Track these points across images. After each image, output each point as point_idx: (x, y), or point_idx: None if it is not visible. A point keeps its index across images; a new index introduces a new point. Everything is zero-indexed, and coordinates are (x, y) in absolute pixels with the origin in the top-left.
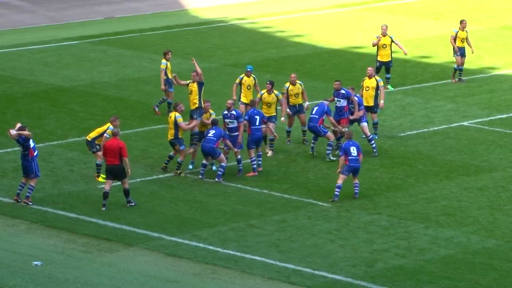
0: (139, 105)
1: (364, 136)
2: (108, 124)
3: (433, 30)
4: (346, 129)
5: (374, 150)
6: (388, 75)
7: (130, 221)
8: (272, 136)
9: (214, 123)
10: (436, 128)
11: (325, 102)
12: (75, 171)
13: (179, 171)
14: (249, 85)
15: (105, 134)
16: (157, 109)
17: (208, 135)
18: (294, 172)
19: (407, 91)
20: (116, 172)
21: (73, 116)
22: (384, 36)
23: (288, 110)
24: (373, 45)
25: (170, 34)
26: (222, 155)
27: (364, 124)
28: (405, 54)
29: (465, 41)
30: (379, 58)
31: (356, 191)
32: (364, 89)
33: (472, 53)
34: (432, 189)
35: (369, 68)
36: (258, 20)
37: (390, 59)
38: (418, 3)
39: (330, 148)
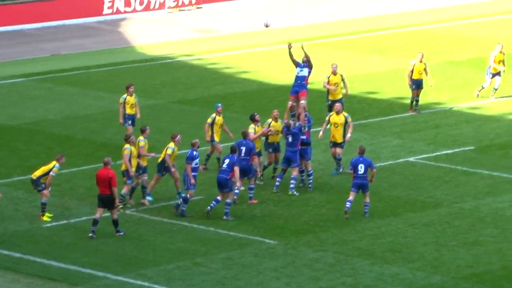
0: (85, 143)
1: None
2: (54, 162)
3: (379, 66)
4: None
5: (310, 186)
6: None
7: (75, 260)
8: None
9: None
10: (382, 164)
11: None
12: (20, 210)
13: (121, 205)
14: (221, 124)
15: (51, 173)
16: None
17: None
18: (240, 209)
19: (353, 126)
20: (106, 202)
21: (17, 155)
22: (335, 75)
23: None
24: (324, 86)
25: (116, 71)
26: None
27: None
28: (346, 96)
29: (423, 72)
30: (330, 97)
31: (366, 210)
32: (333, 125)
33: (431, 86)
34: (378, 225)
35: (337, 104)
36: (205, 56)
37: (341, 96)
38: (364, 39)
39: (294, 181)
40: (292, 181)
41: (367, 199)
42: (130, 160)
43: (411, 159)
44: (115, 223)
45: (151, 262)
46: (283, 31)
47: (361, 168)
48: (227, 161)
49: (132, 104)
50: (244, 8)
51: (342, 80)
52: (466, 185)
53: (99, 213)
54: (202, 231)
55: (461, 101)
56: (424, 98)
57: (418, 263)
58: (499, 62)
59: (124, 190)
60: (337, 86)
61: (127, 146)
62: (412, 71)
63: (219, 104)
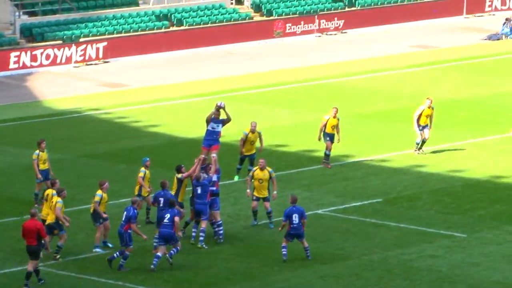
0: None
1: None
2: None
3: (287, 119)
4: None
5: (221, 237)
6: (251, 167)
7: None
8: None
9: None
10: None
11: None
12: None
13: (57, 256)
14: (149, 178)
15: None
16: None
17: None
18: (149, 262)
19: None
20: (33, 253)
21: None
22: (253, 133)
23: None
24: (240, 143)
25: (23, 126)
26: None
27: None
28: (260, 151)
29: (335, 128)
30: (245, 152)
31: (308, 254)
32: (257, 181)
33: (338, 141)
34: (288, 278)
35: (261, 161)
36: (112, 110)
37: (255, 151)
38: (273, 92)
39: (203, 234)
40: (201, 234)
41: (306, 244)
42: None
43: (320, 211)
44: (32, 274)
45: None
46: (191, 85)
47: (295, 218)
48: (168, 215)
49: (44, 160)
50: (151, 63)
51: (259, 137)
52: (374, 237)
53: (31, 266)
54: (110, 285)
55: (369, 154)
56: (332, 151)
57: None
58: (426, 117)
59: (61, 241)
60: (253, 143)
61: (59, 199)
62: (325, 125)
63: (147, 158)
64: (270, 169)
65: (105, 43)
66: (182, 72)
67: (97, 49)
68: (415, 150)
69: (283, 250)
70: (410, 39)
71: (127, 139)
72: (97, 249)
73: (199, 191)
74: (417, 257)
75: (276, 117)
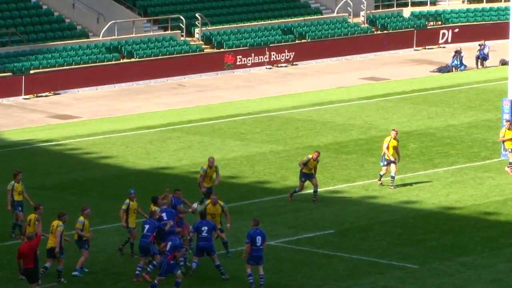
0: None
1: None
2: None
3: (239, 151)
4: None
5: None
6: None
7: None
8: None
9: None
10: (243, 248)
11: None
12: None
13: (61, 279)
14: (135, 209)
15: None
16: (13, 235)
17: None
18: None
19: None
20: (31, 275)
21: None
22: (211, 168)
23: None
24: (200, 180)
25: None
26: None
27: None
28: (216, 184)
29: (312, 170)
30: (205, 185)
31: (261, 282)
32: (210, 216)
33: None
34: None
35: (212, 197)
36: (63, 142)
37: (211, 185)
38: (223, 123)
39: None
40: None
41: (261, 271)
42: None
43: (272, 242)
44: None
45: None
46: (142, 117)
47: (258, 240)
48: (147, 226)
49: (19, 191)
50: (101, 94)
51: (216, 171)
52: (327, 268)
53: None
54: None
55: (321, 186)
56: (283, 182)
57: None
58: (393, 148)
59: (60, 265)
60: (211, 178)
61: (61, 223)
62: (305, 164)
63: (132, 191)
64: (222, 203)
65: (55, 75)
66: (133, 103)
67: (48, 81)
68: (379, 180)
69: (249, 278)
70: (360, 71)
71: (79, 170)
72: (77, 273)
73: (145, 229)
74: None
75: (227, 149)
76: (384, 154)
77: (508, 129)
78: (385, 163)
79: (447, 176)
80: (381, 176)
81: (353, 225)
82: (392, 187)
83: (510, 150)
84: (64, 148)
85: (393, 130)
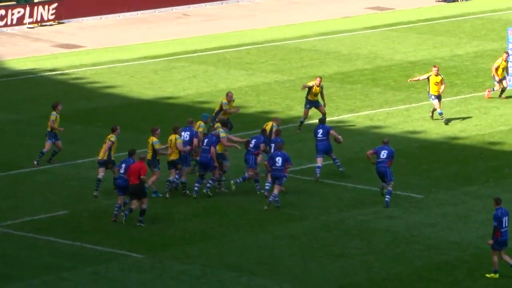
0: None
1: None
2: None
3: (244, 80)
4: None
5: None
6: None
7: None
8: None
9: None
10: (246, 177)
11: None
12: None
13: (187, 191)
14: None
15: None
16: (36, 163)
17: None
18: (106, 223)
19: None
20: (136, 191)
21: None
22: (229, 102)
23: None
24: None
25: None
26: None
27: None
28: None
29: (318, 95)
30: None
31: (275, 200)
32: None
33: (324, 106)
34: (244, 238)
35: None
36: (68, 71)
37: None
38: (228, 53)
39: (212, 182)
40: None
41: (276, 191)
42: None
43: None
44: (142, 212)
45: (15, 277)
46: (147, 46)
47: (278, 160)
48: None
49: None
50: (106, 23)
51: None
52: (331, 198)
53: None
54: (67, 245)
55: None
56: (288, 112)
57: (285, 275)
58: (435, 84)
59: (183, 177)
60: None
61: (178, 136)
62: (309, 88)
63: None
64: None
65: (57, 4)
66: (137, 33)
67: (51, 9)
68: (442, 119)
69: (270, 198)
70: (365, 0)
71: (83, 100)
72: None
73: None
74: (374, 218)
75: (232, 79)
76: (429, 89)
77: (505, 60)
78: (433, 97)
79: (452, 106)
80: (440, 114)
81: (357, 155)
82: (443, 120)
83: (499, 79)
84: (68, 78)
85: (434, 66)
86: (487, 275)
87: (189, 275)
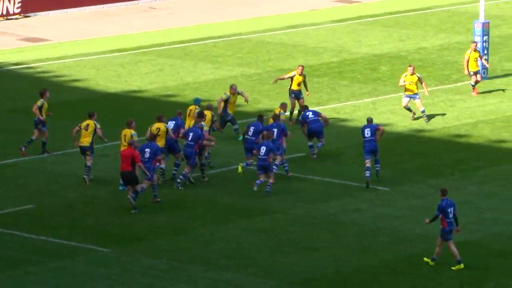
0: None
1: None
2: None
3: (210, 74)
4: None
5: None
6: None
7: None
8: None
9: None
10: (215, 171)
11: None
12: None
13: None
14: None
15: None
16: (23, 149)
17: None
18: (72, 217)
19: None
20: (127, 178)
21: None
22: (233, 95)
23: None
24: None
25: None
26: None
27: None
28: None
29: (301, 84)
30: (229, 111)
31: (267, 189)
32: None
33: (308, 95)
34: (212, 232)
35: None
36: (33, 65)
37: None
38: (195, 46)
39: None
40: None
41: (271, 180)
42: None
43: (244, 165)
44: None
45: None
46: (113, 40)
47: (263, 150)
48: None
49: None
50: (72, 17)
51: (241, 94)
52: (298, 191)
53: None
54: (33, 239)
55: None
56: (255, 106)
57: (252, 268)
58: (410, 84)
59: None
60: (234, 103)
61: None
62: (292, 82)
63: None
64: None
65: None
66: (104, 26)
67: (17, 3)
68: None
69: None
70: None
71: (49, 93)
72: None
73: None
74: (341, 211)
75: (198, 72)
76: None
77: (474, 50)
78: (472, 73)
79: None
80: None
81: (324, 148)
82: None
83: (473, 72)
84: (34, 71)
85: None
86: (453, 267)
87: (157, 269)
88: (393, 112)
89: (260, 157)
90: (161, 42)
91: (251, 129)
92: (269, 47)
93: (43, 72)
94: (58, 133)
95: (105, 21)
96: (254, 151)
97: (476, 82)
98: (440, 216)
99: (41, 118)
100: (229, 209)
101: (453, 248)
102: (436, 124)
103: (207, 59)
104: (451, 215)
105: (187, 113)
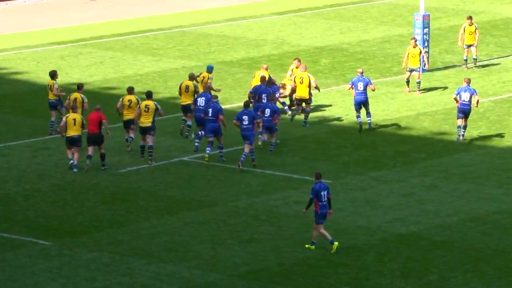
0: None
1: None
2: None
3: (151, 66)
4: None
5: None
6: None
7: None
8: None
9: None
10: (156, 164)
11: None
12: None
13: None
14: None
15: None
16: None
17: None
18: (13, 210)
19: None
20: (95, 140)
21: None
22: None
23: None
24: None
25: None
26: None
27: None
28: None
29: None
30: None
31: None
32: None
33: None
34: (154, 225)
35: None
36: None
37: None
38: (135, 39)
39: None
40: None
41: (274, 139)
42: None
43: (185, 158)
44: (103, 156)
45: None
46: (53, 32)
47: (245, 119)
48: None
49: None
50: (12, 9)
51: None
52: (240, 184)
53: (90, 151)
54: None
55: (233, 101)
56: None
57: (195, 261)
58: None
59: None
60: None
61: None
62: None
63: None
64: None
65: None
66: (44, 19)
67: None
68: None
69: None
70: None
71: None
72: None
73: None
74: (283, 203)
75: (139, 65)
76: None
77: (414, 47)
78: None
79: None
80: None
81: (266, 140)
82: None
83: (410, 69)
84: None
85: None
86: (306, 245)
87: (98, 262)
88: (334, 104)
89: (265, 118)
90: (101, 34)
91: (245, 118)
92: (210, 39)
93: None
94: None
95: (45, 13)
96: (259, 112)
97: (418, 82)
98: (314, 199)
99: (62, 94)
100: (171, 202)
101: (323, 231)
102: (378, 117)
103: (147, 52)
104: (324, 199)
105: (200, 80)
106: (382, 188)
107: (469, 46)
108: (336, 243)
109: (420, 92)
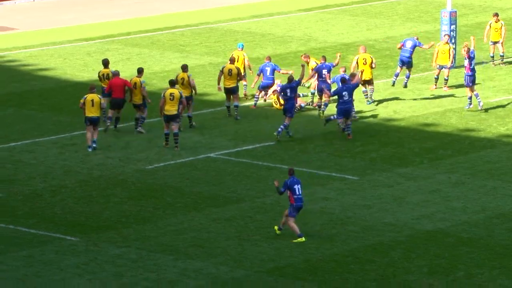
0: None
1: None
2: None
3: (178, 63)
4: None
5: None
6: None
7: None
8: None
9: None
10: (183, 160)
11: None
12: None
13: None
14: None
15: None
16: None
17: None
18: (40, 207)
19: (152, 123)
20: (118, 104)
21: None
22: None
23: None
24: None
25: None
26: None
27: None
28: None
29: None
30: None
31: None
32: None
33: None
34: (181, 221)
35: None
36: (1, 54)
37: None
38: (162, 35)
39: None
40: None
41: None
42: None
43: (212, 154)
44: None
45: None
46: (80, 28)
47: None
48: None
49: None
50: (39, 6)
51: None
52: (267, 180)
53: (111, 113)
54: (1, 229)
55: (260, 98)
56: (222, 94)
57: (221, 257)
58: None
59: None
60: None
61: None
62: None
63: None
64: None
65: None
66: (71, 15)
67: None
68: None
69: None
70: None
71: (16, 83)
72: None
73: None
74: (309, 199)
75: (166, 61)
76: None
77: (446, 43)
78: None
79: (386, 87)
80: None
81: (292, 137)
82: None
83: (440, 66)
84: (1, 60)
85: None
86: (294, 240)
87: (125, 258)
88: (361, 101)
89: (342, 100)
90: (128, 31)
91: (288, 90)
92: (237, 36)
93: (10, 61)
94: (24, 123)
95: (72, 10)
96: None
97: (446, 79)
98: (289, 193)
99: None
100: (198, 198)
101: (293, 225)
102: (404, 113)
103: (174, 48)
104: (298, 192)
105: (236, 59)
106: (409, 185)
107: (495, 42)
108: (303, 238)
109: (448, 88)
